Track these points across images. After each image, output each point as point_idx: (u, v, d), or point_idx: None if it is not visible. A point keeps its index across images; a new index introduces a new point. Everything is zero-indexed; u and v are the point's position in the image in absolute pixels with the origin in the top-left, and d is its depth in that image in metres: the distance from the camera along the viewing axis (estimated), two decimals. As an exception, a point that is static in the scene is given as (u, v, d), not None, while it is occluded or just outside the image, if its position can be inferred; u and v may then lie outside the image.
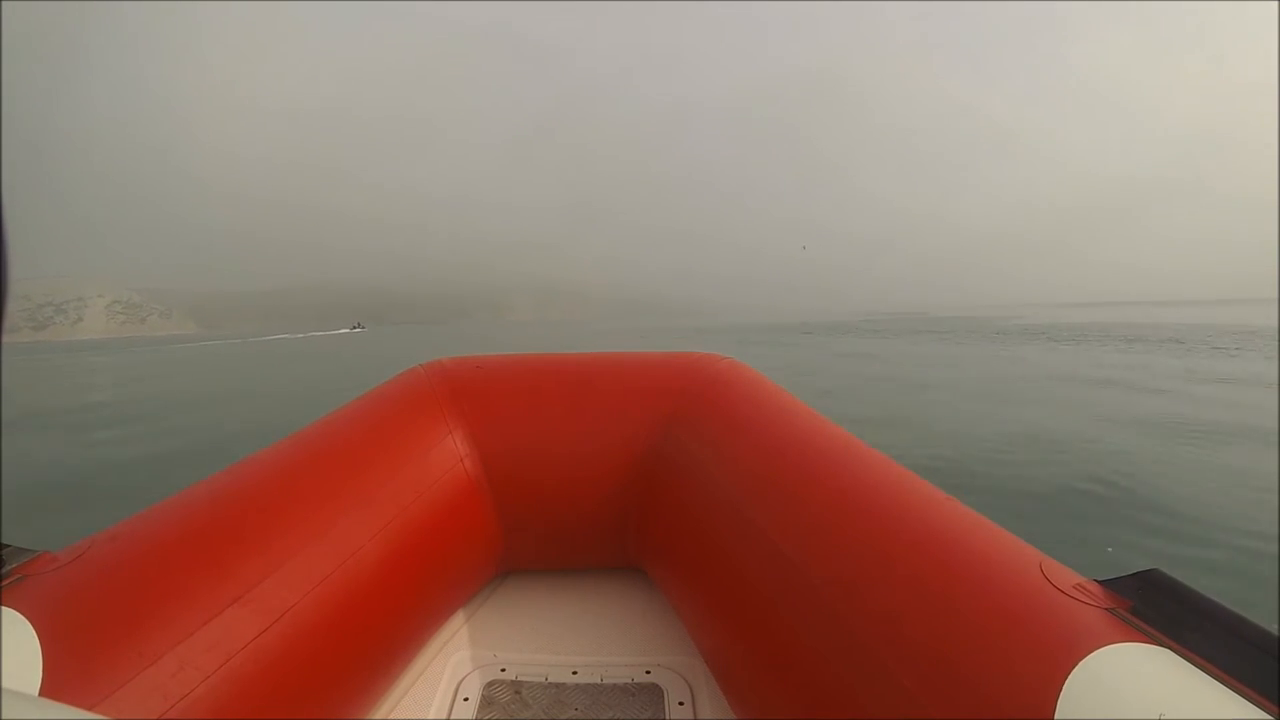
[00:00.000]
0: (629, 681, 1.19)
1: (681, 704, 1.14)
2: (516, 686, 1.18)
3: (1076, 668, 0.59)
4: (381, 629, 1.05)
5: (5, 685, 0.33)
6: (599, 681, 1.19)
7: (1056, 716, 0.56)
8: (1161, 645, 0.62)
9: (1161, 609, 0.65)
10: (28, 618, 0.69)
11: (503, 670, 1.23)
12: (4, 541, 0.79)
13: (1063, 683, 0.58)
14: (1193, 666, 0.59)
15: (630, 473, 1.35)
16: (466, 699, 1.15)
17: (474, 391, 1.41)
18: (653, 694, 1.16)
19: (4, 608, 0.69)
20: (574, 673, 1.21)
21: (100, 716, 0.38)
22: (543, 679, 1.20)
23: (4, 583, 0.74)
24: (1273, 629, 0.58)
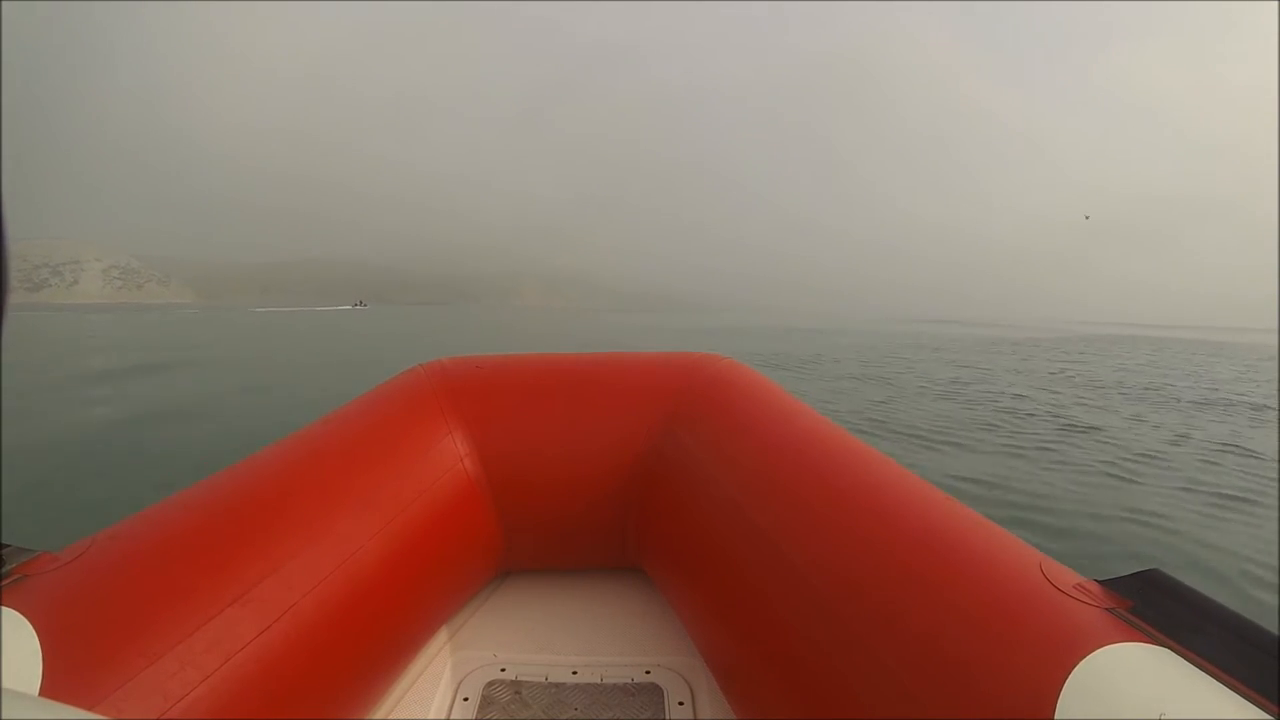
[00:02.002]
0: (629, 681, 1.19)
1: (681, 704, 1.14)
2: (516, 686, 1.18)
3: (1077, 667, 0.59)
4: (382, 629, 1.05)
5: (5, 685, 0.33)
6: (599, 681, 1.19)
7: (1057, 716, 0.56)
8: (1161, 645, 0.62)
9: (1161, 609, 0.65)
10: (28, 618, 0.69)
11: (503, 670, 1.23)
12: (4, 541, 0.78)
13: (1063, 682, 0.58)
14: (1193, 666, 0.59)
15: (630, 473, 1.35)
16: (466, 699, 1.15)
17: (474, 391, 1.41)
18: (653, 694, 1.16)
19: (4, 608, 0.69)
20: (574, 673, 1.21)
21: (100, 716, 0.38)
22: (542, 679, 1.20)
23: (4, 583, 0.74)
24: (1273, 629, 0.58)
